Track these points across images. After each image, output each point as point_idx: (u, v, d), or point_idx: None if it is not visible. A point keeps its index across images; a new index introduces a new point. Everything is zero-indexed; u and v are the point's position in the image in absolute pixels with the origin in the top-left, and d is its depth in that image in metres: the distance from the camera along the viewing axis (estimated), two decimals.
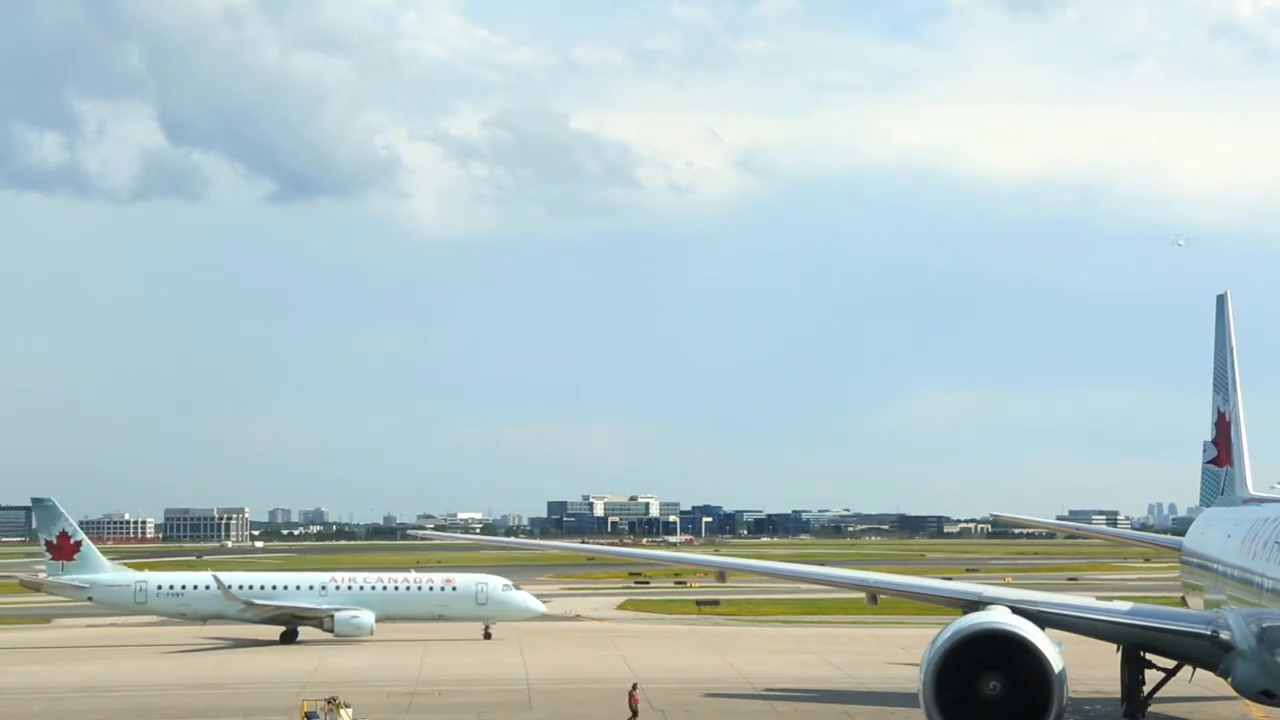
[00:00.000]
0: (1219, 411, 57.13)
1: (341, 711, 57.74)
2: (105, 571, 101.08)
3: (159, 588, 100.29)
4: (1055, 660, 39.33)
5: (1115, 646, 49.60)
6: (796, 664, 79.27)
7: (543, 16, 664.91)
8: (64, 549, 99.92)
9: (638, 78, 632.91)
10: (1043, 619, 44.29)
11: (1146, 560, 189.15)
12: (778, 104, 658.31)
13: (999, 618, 41.51)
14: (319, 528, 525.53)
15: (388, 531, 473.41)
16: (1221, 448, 56.67)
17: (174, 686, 71.92)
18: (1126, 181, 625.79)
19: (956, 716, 39.12)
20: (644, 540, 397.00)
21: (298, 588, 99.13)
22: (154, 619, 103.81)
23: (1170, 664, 48.88)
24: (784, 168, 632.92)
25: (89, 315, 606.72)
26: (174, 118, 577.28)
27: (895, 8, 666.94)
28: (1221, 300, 57.45)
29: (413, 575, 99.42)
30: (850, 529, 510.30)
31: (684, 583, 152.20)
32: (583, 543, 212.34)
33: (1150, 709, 50.35)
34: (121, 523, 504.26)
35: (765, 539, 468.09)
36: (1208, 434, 58.19)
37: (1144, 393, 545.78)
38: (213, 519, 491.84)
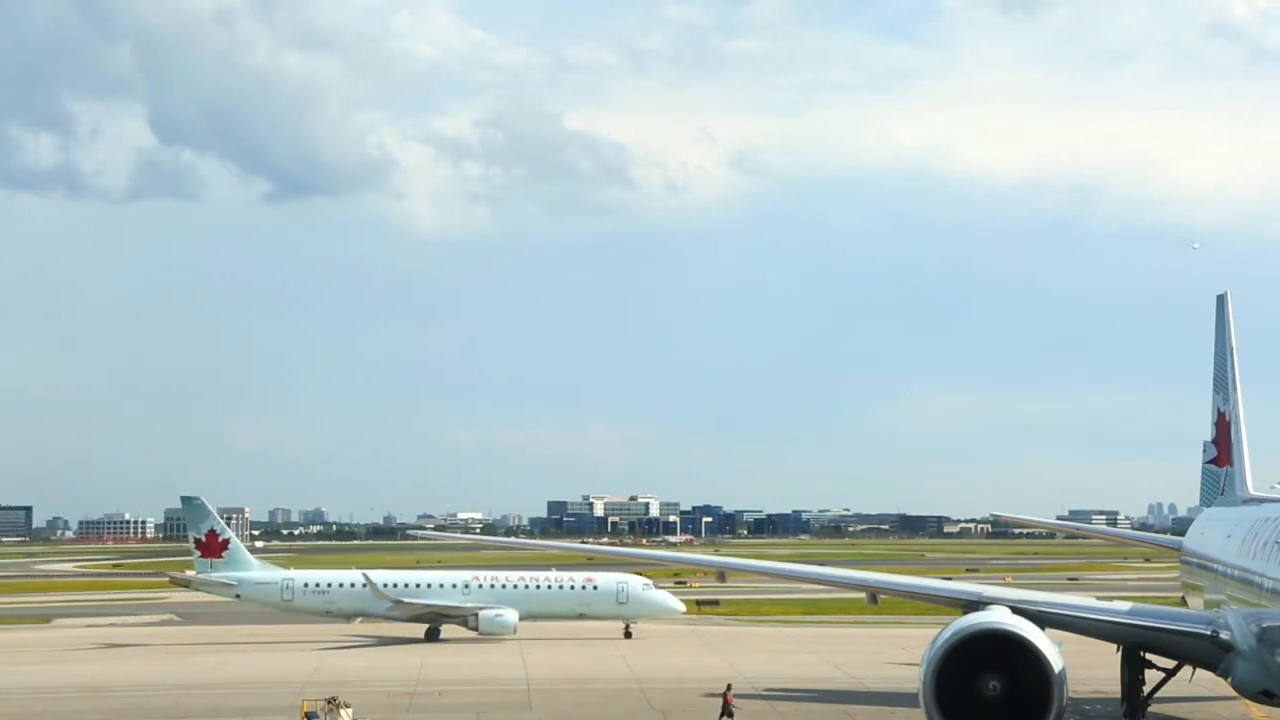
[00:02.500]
0: (1219, 411, 57.12)
1: (341, 711, 57.74)
2: (253, 569, 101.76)
3: (305, 585, 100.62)
4: (1055, 660, 39.32)
5: (1115, 646, 49.60)
6: (796, 664, 79.28)
7: (536, 16, 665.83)
8: (212, 547, 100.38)
9: (632, 77, 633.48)
10: (1043, 619, 44.27)
11: (1146, 560, 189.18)
12: (773, 104, 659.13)
13: (999, 618, 41.50)
14: (319, 528, 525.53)
15: (388, 531, 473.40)
16: (1221, 448, 56.66)
17: (174, 686, 71.91)
18: (1122, 181, 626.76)
19: (956, 716, 39.10)
20: (644, 540, 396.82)
21: (441, 586, 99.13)
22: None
23: (1170, 664, 48.87)
24: (780, 167, 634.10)
25: (88, 315, 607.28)
26: (168, 118, 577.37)
27: (889, 7, 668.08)
28: (1221, 300, 57.44)
29: (554, 574, 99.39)
30: (850, 529, 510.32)
31: (684, 583, 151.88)
32: (583, 543, 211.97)
33: (1150, 709, 50.34)
34: (121, 523, 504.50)
35: (765, 539, 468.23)
36: (1208, 434, 58.19)
37: (1144, 393, 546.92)
38: None
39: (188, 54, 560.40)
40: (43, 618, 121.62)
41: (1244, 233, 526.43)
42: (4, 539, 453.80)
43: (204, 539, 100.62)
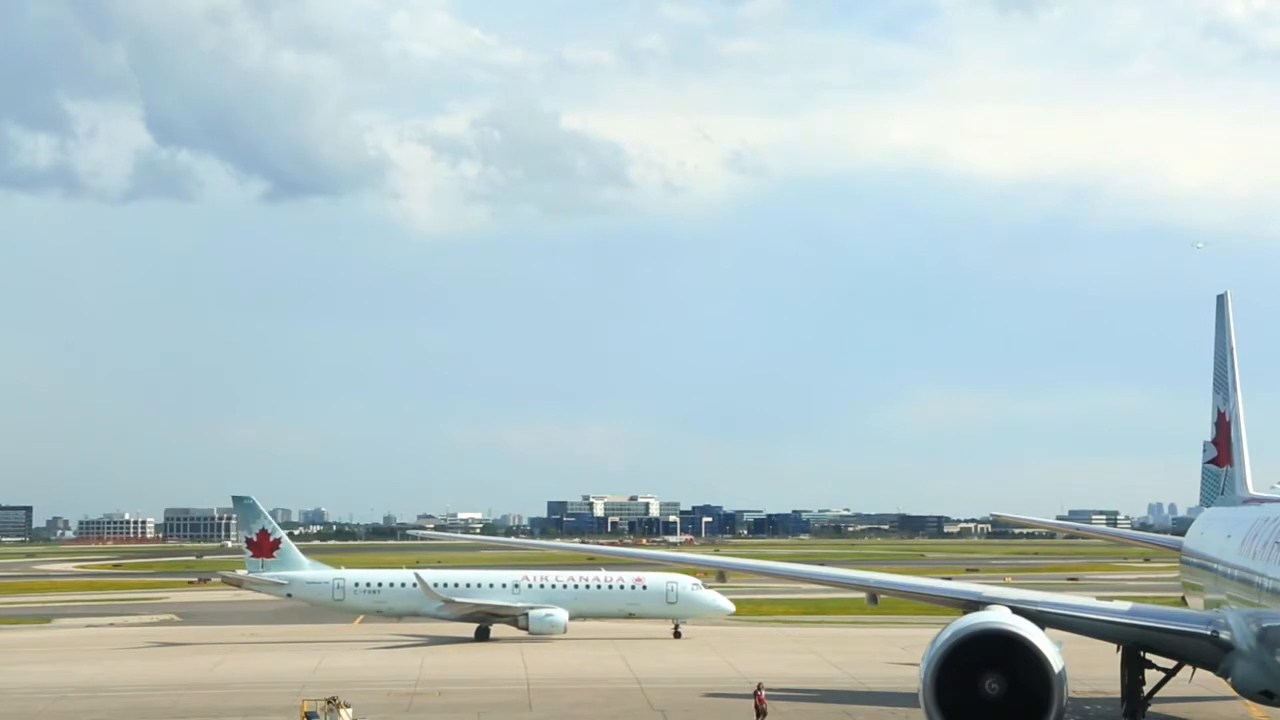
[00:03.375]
0: (1219, 411, 57.13)
1: (341, 711, 57.73)
2: (304, 568, 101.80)
3: (356, 585, 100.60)
4: (1055, 660, 39.33)
5: (1115, 646, 49.61)
6: (796, 664, 79.26)
7: (533, 16, 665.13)
8: (264, 546, 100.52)
9: (629, 77, 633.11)
10: (1043, 619, 44.30)
11: (1146, 560, 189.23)
12: (770, 104, 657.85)
13: (999, 618, 41.52)
14: (319, 527, 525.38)
15: (388, 531, 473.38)
16: (1221, 448, 56.66)
17: (174, 686, 71.88)
18: (1120, 181, 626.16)
19: (956, 716, 39.12)
20: (644, 540, 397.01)
21: (491, 585, 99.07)
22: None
23: (1170, 664, 48.87)
24: (777, 167, 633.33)
25: (88, 316, 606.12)
26: (165, 118, 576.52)
27: (886, 7, 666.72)
28: (1221, 300, 57.45)
29: (603, 574, 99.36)
30: (850, 529, 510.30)
31: None
32: (583, 543, 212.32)
33: (1150, 709, 50.35)
34: (121, 523, 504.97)
35: (765, 539, 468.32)
36: (1208, 434, 58.19)
37: (1144, 393, 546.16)
38: (213, 519, 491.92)
39: (185, 54, 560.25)
40: (43, 618, 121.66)
41: (1243, 232, 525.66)
42: (4, 539, 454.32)
43: (255, 538, 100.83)
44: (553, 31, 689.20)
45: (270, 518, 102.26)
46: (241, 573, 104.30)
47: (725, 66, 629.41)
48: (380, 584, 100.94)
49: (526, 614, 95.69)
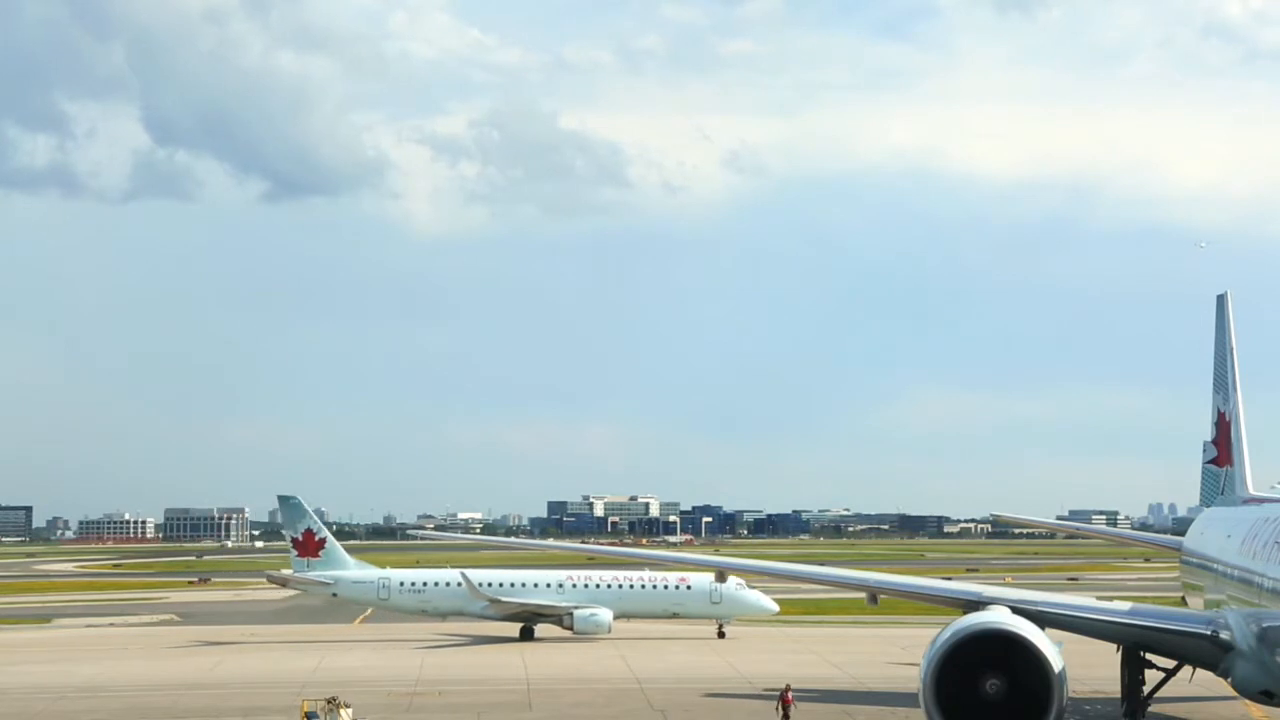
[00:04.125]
0: (1219, 411, 57.11)
1: (341, 711, 57.71)
2: (349, 568, 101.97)
3: (401, 584, 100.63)
4: (1055, 660, 39.34)
5: (1115, 646, 49.60)
6: (796, 664, 79.16)
7: (532, 16, 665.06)
8: (309, 545, 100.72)
9: (628, 77, 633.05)
10: (1043, 619, 44.29)
11: (1146, 560, 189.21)
12: (769, 103, 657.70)
13: (999, 618, 41.52)
14: None
15: (388, 531, 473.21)
16: (1221, 448, 56.65)
17: (174, 686, 71.85)
18: (1120, 181, 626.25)
19: (956, 716, 39.12)
20: (644, 540, 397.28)
21: (535, 585, 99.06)
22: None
23: (1170, 664, 48.85)
24: (776, 167, 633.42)
25: (88, 316, 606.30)
26: (165, 119, 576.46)
27: (885, 7, 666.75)
28: (1221, 300, 57.42)
29: (647, 574, 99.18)
30: (850, 529, 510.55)
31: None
32: (583, 543, 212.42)
33: (1150, 709, 50.33)
34: (121, 523, 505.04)
35: (765, 539, 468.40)
36: (1208, 434, 58.15)
37: (1144, 393, 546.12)
38: (213, 519, 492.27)
39: (183, 54, 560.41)
40: (43, 618, 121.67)
41: (1243, 232, 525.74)
42: (4, 539, 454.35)
43: (300, 538, 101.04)
44: (552, 31, 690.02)
45: (315, 517, 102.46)
46: (287, 572, 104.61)
47: (724, 66, 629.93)
48: (425, 583, 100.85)
49: (571, 614, 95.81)
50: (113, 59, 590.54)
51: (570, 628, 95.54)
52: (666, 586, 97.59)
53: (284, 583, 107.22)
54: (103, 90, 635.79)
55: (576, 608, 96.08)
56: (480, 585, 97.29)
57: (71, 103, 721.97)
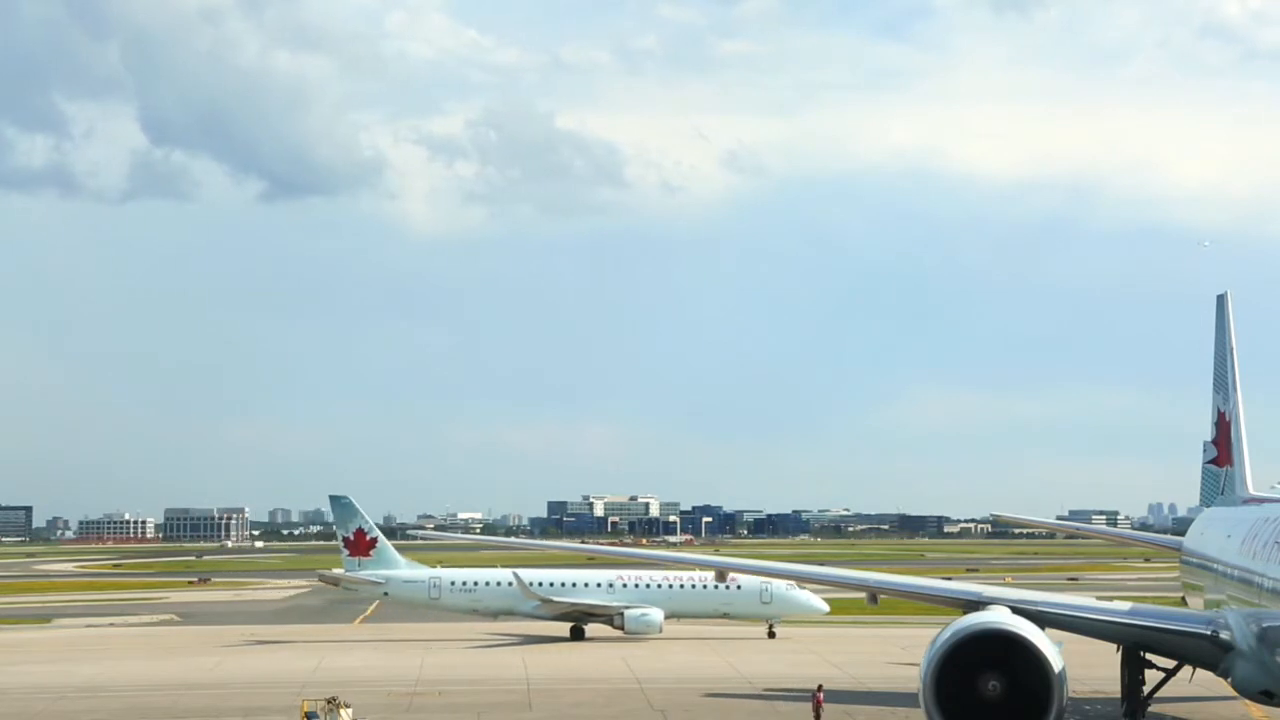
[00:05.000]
0: (1219, 411, 57.09)
1: (341, 711, 57.71)
2: (400, 567, 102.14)
3: (452, 584, 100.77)
4: (1055, 660, 39.34)
5: (1115, 646, 49.60)
6: (796, 664, 79.23)
7: (529, 17, 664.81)
8: (360, 545, 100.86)
9: (626, 77, 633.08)
10: (1043, 619, 44.28)
11: (1146, 560, 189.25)
12: (767, 103, 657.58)
13: (999, 618, 41.51)
14: (319, 528, 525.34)
15: (388, 531, 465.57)
16: (1221, 448, 56.63)
17: (174, 686, 71.86)
18: (1119, 181, 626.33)
19: (956, 716, 39.11)
20: (644, 540, 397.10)
21: (586, 585, 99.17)
22: None
23: (1170, 664, 48.83)
24: (775, 167, 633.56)
25: (87, 316, 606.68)
26: (163, 119, 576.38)
27: (883, 7, 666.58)
28: (1221, 300, 57.40)
29: (698, 574, 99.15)
30: (850, 529, 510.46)
31: None
32: (583, 543, 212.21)
33: (1150, 709, 50.33)
34: (121, 523, 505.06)
35: (765, 539, 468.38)
36: (1208, 434, 58.14)
37: (1144, 393, 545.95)
38: (213, 519, 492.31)
39: (180, 54, 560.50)
40: (43, 618, 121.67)
41: (1242, 232, 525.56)
42: (4, 539, 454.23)
43: (352, 538, 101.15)
44: (549, 32, 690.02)
45: (367, 517, 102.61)
46: (338, 571, 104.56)
47: (722, 66, 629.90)
48: (476, 583, 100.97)
49: (622, 613, 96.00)
50: (109, 59, 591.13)
51: (621, 627, 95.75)
52: (717, 586, 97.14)
53: (335, 582, 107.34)
54: (100, 90, 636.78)
55: (628, 607, 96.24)
56: (531, 585, 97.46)
57: (69, 103, 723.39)
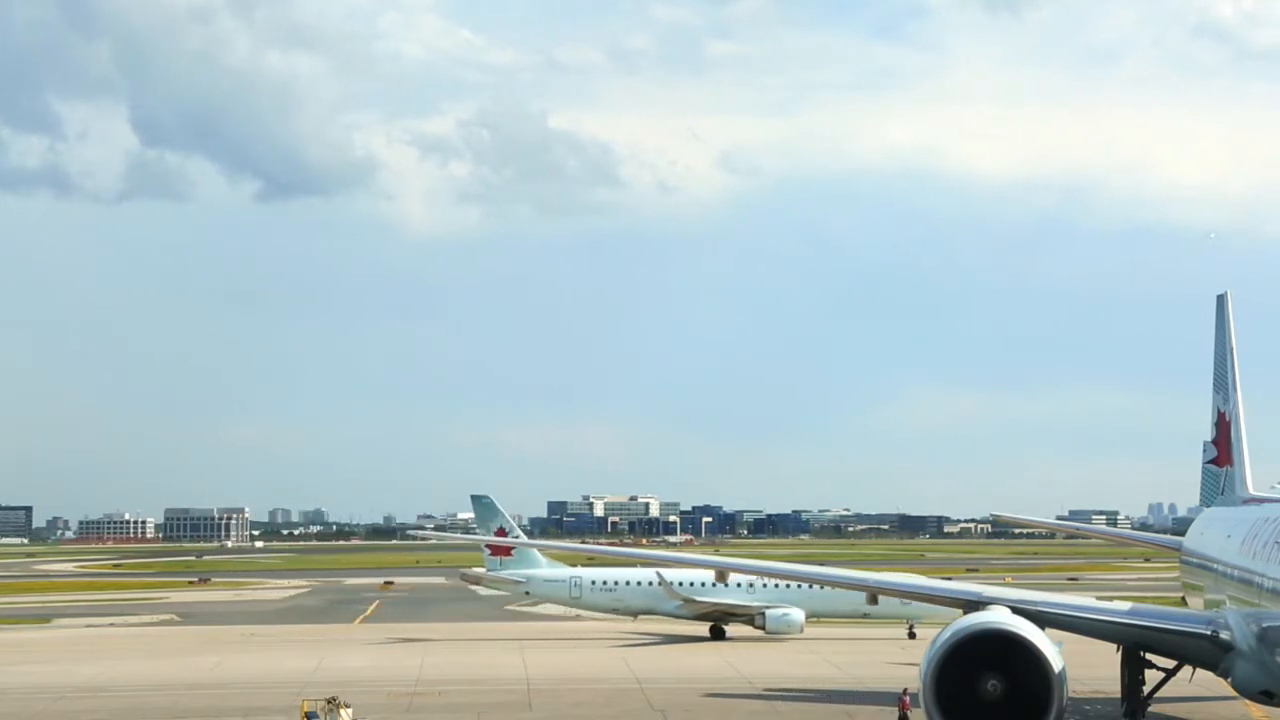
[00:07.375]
0: (1219, 411, 57.07)
1: (341, 711, 57.69)
2: (541, 567, 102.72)
3: (593, 583, 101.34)
4: (1055, 660, 39.35)
5: (1115, 646, 49.60)
6: (796, 664, 79.27)
7: (523, 17, 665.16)
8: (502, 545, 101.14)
9: (620, 77, 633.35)
10: (1043, 619, 44.28)
11: (1146, 560, 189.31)
12: (762, 104, 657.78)
13: (999, 618, 41.52)
14: (319, 528, 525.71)
15: (388, 531, 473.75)
16: (1221, 448, 56.62)
17: (174, 686, 71.83)
18: (1115, 181, 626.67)
19: (956, 716, 39.13)
20: (644, 540, 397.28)
21: (727, 585, 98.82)
22: None
23: (1170, 664, 48.82)
24: (770, 167, 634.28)
25: (87, 316, 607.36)
26: (158, 120, 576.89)
27: (878, 8, 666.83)
28: (1221, 300, 57.38)
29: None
30: (850, 529, 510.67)
31: None
32: (583, 543, 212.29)
33: (1150, 709, 50.32)
34: (121, 523, 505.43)
35: (765, 539, 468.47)
36: (1208, 434, 58.12)
37: (1144, 393, 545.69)
38: (213, 519, 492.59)
39: (172, 54, 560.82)
40: (43, 618, 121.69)
41: (1241, 232, 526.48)
42: (4, 539, 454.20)
43: (494, 537, 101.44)
44: (543, 32, 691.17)
45: (508, 517, 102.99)
46: (480, 570, 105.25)
47: (717, 66, 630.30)
48: (617, 582, 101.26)
49: (763, 613, 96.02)
50: (101, 60, 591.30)
51: (762, 627, 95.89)
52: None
53: (477, 581, 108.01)
54: (94, 91, 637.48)
55: (769, 607, 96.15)
56: (674, 585, 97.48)
57: (63, 104, 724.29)
